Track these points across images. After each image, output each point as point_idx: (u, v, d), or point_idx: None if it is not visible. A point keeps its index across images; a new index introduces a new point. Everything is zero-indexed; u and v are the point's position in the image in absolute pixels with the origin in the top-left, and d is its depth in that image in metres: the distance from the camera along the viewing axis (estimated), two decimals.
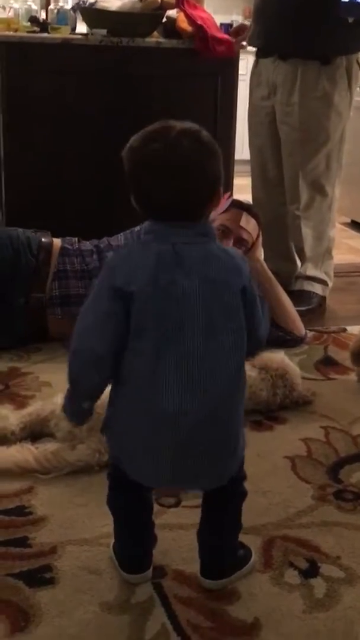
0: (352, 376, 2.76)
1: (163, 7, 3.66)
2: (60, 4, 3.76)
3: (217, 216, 2.72)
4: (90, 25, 3.71)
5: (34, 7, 4.00)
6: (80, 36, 3.72)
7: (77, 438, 2.10)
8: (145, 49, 3.65)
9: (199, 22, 3.59)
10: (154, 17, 3.68)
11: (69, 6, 3.86)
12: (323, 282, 3.58)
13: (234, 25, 5.25)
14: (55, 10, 3.72)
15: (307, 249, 3.52)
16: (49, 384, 2.58)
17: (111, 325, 1.43)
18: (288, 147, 3.43)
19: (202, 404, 1.44)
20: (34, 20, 3.75)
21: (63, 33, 3.67)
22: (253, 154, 3.64)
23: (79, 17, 3.86)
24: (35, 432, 2.22)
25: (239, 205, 2.91)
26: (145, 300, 1.42)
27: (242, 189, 3.71)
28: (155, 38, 3.74)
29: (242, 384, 1.53)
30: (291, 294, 3.21)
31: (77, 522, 1.86)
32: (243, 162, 3.81)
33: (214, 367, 1.44)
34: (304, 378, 2.59)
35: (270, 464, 2.14)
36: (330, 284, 3.62)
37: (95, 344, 1.44)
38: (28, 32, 3.67)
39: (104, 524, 1.79)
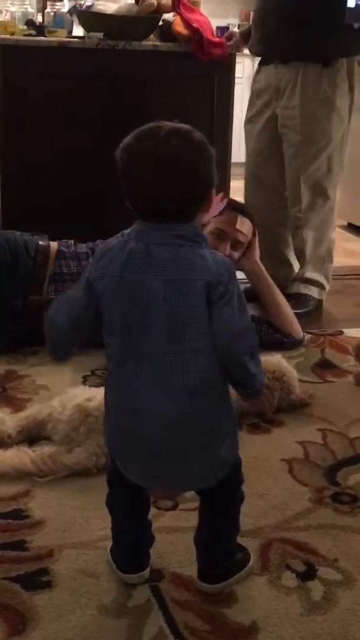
0: (350, 379, 2.76)
1: (159, 11, 3.66)
2: (57, 7, 3.76)
3: (212, 219, 2.72)
4: (86, 28, 3.71)
5: (31, 10, 3.99)
6: (76, 39, 3.72)
7: (74, 441, 2.10)
8: (141, 52, 3.66)
9: (195, 25, 3.59)
10: (150, 21, 3.68)
11: (65, 9, 3.86)
12: (320, 286, 3.59)
13: (230, 28, 5.27)
14: (52, 14, 3.72)
15: (307, 251, 3.53)
16: (46, 387, 2.57)
17: (75, 309, 1.53)
18: (290, 151, 3.43)
19: (169, 404, 1.44)
20: (30, 23, 3.74)
21: (60, 36, 3.67)
22: (250, 159, 3.64)
23: (76, 20, 3.86)
24: (32, 436, 2.22)
25: (233, 207, 2.91)
26: (111, 296, 1.46)
27: (239, 191, 3.71)
28: (151, 41, 3.74)
29: (217, 388, 1.49)
30: (288, 297, 3.21)
31: (74, 526, 1.85)
32: (240, 164, 3.81)
33: (179, 367, 1.43)
34: (301, 381, 2.59)
35: (268, 466, 2.14)
36: (328, 287, 3.63)
37: (60, 319, 1.57)
38: (24, 35, 3.66)
39: (101, 527, 1.79)
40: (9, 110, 3.60)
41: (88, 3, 3.73)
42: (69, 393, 2.26)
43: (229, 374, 1.50)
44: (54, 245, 2.98)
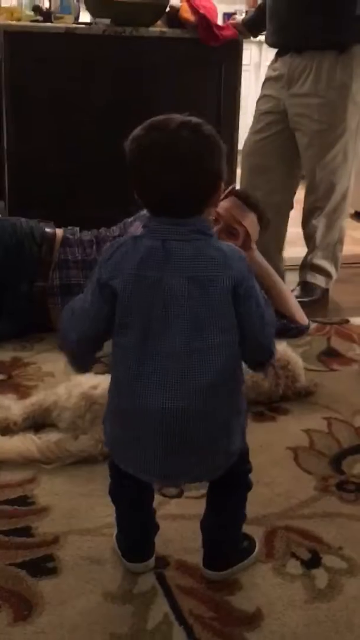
0: (355, 367, 2.76)
1: None
2: None
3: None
4: (93, 14, 3.70)
5: None
6: (83, 25, 3.71)
7: (79, 428, 2.11)
8: (148, 39, 3.65)
9: (202, 11, 3.58)
10: (157, 7, 3.67)
11: None
12: (327, 274, 3.58)
13: (237, 14, 5.24)
14: (59, 0, 3.71)
15: (317, 236, 3.52)
16: (52, 374, 2.58)
17: (86, 321, 1.50)
18: (305, 139, 3.41)
19: (186, 402, 1.43)
20: (37, 9, 3.74)
21: (66, 22, 3.66)
22: (253, 149, 3.57)
23: (83, 6, 3.85)
24: (38, 423, 2.23)
25: (238, 195, 2.88)
26: (129, 296, 1.43)
27: None
28: (158, 27, 3.73)
29: (233, 381, 1.49)
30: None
31: (80, 512, 1.86)
32: None
33: (198, 365, 1.43)
34: (306, 369, 2.59)
35: (273, 455, 2.14)
36: (335, 276, 3.62)
37: (74, 330, 1.52)
38: (31, 21, 3.66)
39: (106, 514, 1.80)
40: (15, 96, 3.60)
41: None
42: (74, 380, 2.26)
43: (250, 355, 1.52)
44: (59, 232, 2.98)
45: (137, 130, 1.44)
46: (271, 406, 2.41)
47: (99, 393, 2.12)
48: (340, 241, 3.59)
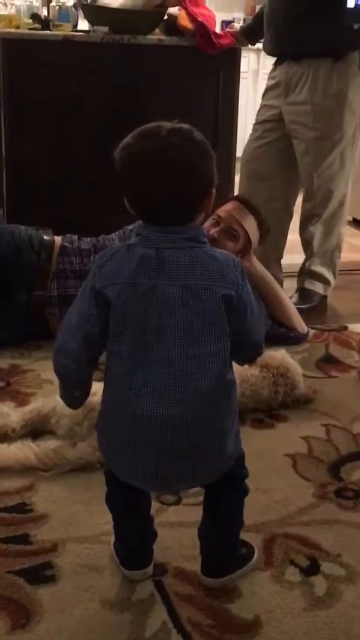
0: (354, 374, 2.76)
1: (164, 5, 3.66)
2: (62, 1, 3.76)
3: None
4: (91, 22, 3.71)
5: (36, 4, 4.00)
6: (82, 33, 3.72)
7: (77, 436, 2.11)
8: (146, 47, 3.65)
9: (200, 19, 3.59)
10: (155, 15, 3.68)
11: (70, 3, 3.86)
12: (325, 281, 3.58)
13: (236, 22, 5.26)
14: (57, 7, 3.73)
15: (315, 243, 3.52)
16: (50, 382, 2.57)
17: (88, 326, 1.47)
18: (302, 147, 3.41)
19: (179, 410, 1.44)
20: (35, 17, 3.75)
21: (65, 30, 3.67)
22: (252, 156, 3.58)
23: (81, 14, 3.86)
24: (36, 430, 2.22)
25: (240, 200, 2.90)
26: (123, 304, 1.44)
27: None
28: (156, 35, 3.74)
29: (226, 388, 1.49)
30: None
31: (78, 520, 1.86)
32: None
33: (192, 373, 1.43)
34: (305, 376, 2.58)
35: (271, 462, 2.14)
36: (333, 283, 3.62)
37: (73, 342, 1.50)
38: (29, 29, 3.67)
39: (104, 521, 1.79)
40: (14, 104, 3.60)
41: None
42: None
43: (241, 355, 1.54)
44: (58, 239, 2.97)
45: (127, 139, 1.45)
46: (270, 413, 2.41)
47: (97, 400, 2.09)
48: (338, 248, 3.59)
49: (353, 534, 1.84)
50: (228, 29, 3.86)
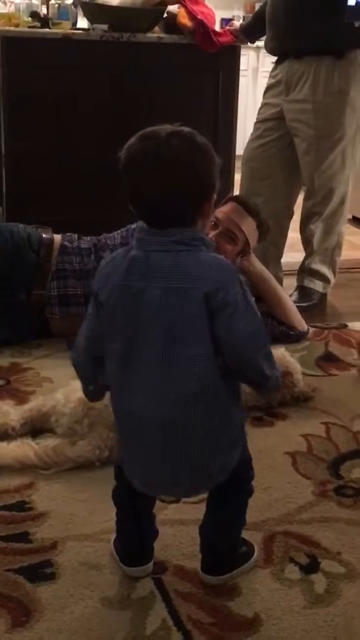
0: (353, 372, 2.76)
1: (164, 3, 3.66)
2: None
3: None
4: (91, 20, 3.71)
5: (35, 2, 4.00)
6: (81, 31, 3.72)
7: (77, 434, 2.11)
8: (146, 45, 3.65)
9: (200, 17, 3.59)
10: (155, 13, 3.68)
11: (70, 1, 3.85)
12: (325, 279, 3.58)
13: (235, 20, 5.25)
14: (56, 5, 3.72)
15: (315, 241, 3.52)
16: (50, 380, 2.58)
17: (91, 325, 1.54)
18: (303, 145, 3.40)
19: (163, 411, 1.45)
20: (35, 15, 3.75)
21: (64, 28, 3.67)
22: (253, 155, 3.57)
23: (80, 12, 3.86)
24: (36, 428, 2.23)
25: (238, 202, 2.89)
26: (113, 306, 1.46)
27: None
28: (156, 33, 3.73)
29: (217, 392, 1.46)
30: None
31: (78, 518, 1.86)
32: None
33: (174, 375, 1.43)
34: (304, 374, 2.59)
35: (271, 460, 2.14)
36: (333, 281, 3.62)
37: (81, 340, 1.56)
38: (29, 27, 3.67)
39: (104, 519, 1.80)
40: (13, 102, 3.60)
41: None
42: (72, 385, 2.25)
43: (244, 376, 1.51)
44: (57, 238, 2.97)
45: (130, 140, 1.45)
46: (270, 411, 2.41)
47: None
48: (338, 246, 3.59)
49: (353, 531, 1.84)
50: (228, 27, 3.86)
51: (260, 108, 3.59)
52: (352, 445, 2.25)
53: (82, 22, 3.94)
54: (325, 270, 3.57)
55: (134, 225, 2.90)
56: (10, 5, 4.02)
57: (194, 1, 3.64)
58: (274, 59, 3.53)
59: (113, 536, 1.72)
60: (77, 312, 2.82)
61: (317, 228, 3.51)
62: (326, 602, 1.61)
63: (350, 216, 5.14)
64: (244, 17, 6.94)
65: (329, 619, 1.56)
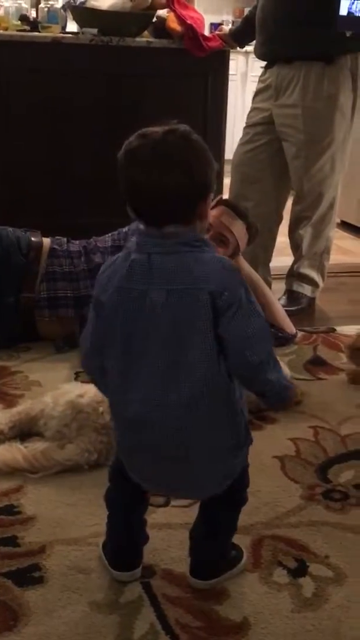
0: (342, 376, 2.77)
1: (153, 7, 3.66)
2: (51, 2, 3.75)
3: None
4: (80, 24, 3.71)
5: (25, 5, 3.99)
6: (70, 35, 3.72)
7: (66, 437, 2.10)
8: (135, 49, 3.66)
9: (189, 21, 3.59)
10: (144, 17, 3.68)
11: (59, 5, 3.86)
12: (314, 284, 3.59)
13: (224, 25, 5.26)
14: (46, 9, 3.72)
15: (304, 245, 3.53)
16: (39, 383, 2.57)
17: (94, 330, 1.52)
18: (292, 150, 3.41)
19: (163, 414, 1.44)
20: (24, 18, 3.74)
21: (53, 32, 3.67)
22: (243, 160, 3.57)
23: (70, 16, 3.86)
24: (24, 431, 2.22)
25: (227, 205, 2.89)
26: (114, 309, 1.45)
27: None
28: (145, 38, 3.74)
29: (220, 397, 1.46)
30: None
31: (66, 522, 1.85)
32: None
33: (176, 378, 1.43)
34: (293, 378, 2.59)
35: (260, 463, 2.14)
36: (322, 285, 3.63)
37: (88, 346, 1.55)
38: (18, 30, 3.66)
39: (93, 523, 1.79)
40: (2, 105, 3.59)
41: None
42: (61, 389, 2.26)
43: (248, 384, 1.49)
44: (46, 241, 2.97)
45: (128, 139, 1.45)
46: (258, 415, 2.41)
47: (85, 402, 2.12)
48: (327, 250, 3.60)
49: (341, 535, 1.85)
50: (217, 32, 3.86)
51: (250, 112, 3.60)
52: (340, 449, 2.26)
53: (72, 26, 3.94)
54: (314, 274, 3.58)
55: (125, 229, 2.90)
56: None
57: (183, 6, 3.65)
58: (263, 63, 3.54)
59: (101, 540, 1.72)
60: (66, 314, 2.83)
61: (306, 232, 3.51)
62: (314, 606, 1.61)
63: (339, 220, 5.16)
64: (233, 22, 6.95)
65: (317, 623, 1.57)
